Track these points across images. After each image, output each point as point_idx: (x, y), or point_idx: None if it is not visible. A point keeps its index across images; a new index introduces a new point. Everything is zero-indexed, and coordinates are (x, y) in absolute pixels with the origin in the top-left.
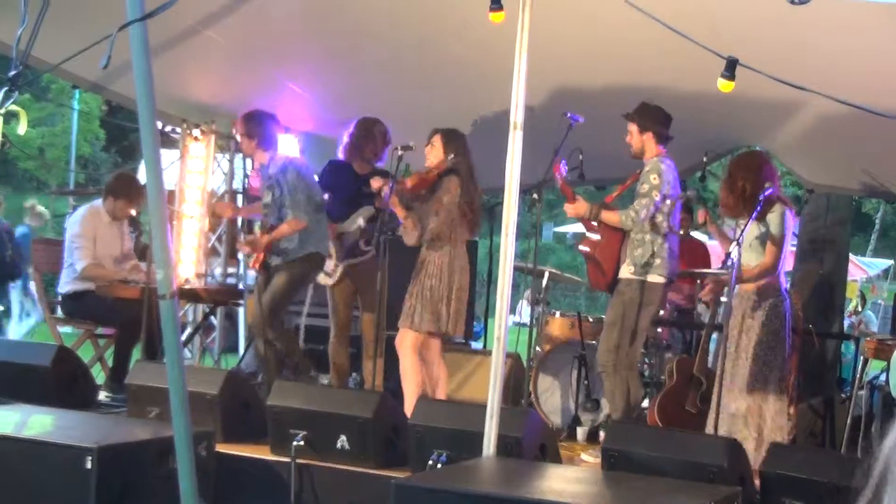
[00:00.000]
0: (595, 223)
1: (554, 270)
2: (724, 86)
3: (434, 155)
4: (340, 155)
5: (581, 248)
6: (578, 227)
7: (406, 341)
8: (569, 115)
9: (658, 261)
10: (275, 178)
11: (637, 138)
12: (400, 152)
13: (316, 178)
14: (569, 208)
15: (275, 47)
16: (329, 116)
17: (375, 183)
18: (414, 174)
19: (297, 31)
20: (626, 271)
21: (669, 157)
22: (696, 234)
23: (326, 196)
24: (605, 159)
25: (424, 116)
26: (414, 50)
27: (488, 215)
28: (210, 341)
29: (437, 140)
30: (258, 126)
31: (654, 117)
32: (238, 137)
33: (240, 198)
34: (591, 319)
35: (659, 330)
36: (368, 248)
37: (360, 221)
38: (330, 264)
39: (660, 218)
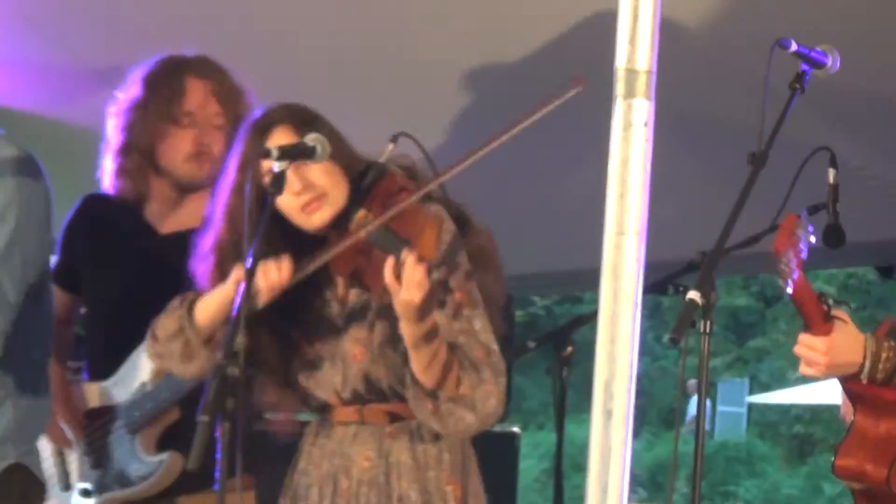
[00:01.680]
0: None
1: None
2: None
3: (322, 175)
4: (106, 182)
5: (841, 464)
6: (825, 397)
7: None
8: (793, 46)
9: None
10: None
11: None
12: (280, 166)
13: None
14: (812, 347)
15: None
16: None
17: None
18: (398, 210)
19: None
20: None
21: None
22: None
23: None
24: None
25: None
26: None
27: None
28: None
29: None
30: None
31: None
32: None
33: None
34: None
35: None
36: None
37: (145, 375)
38: None
39: None
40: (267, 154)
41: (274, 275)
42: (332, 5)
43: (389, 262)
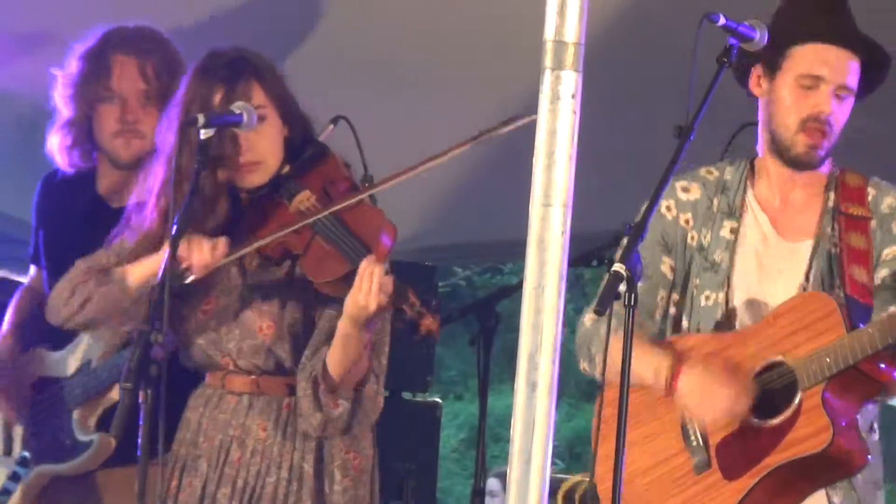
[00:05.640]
0: None
1: None
2: None
3: (263, 139)
4: (60, 159)
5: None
6: None
7: None
8: (721, 20)
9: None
10: None
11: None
12: (206, 133)
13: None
14: None
15: None
16: None
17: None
18: (353, 202)
19: None
20: None
21: None
22: None
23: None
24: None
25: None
26: None
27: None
28: None
29: (257, 89)
30: None
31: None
32: None
33: None
34: None
35: None
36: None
37: (91, 353)
38: None
39: None
40: (194, 122)
41: (207, 253)
42: None
43: (365, 264)
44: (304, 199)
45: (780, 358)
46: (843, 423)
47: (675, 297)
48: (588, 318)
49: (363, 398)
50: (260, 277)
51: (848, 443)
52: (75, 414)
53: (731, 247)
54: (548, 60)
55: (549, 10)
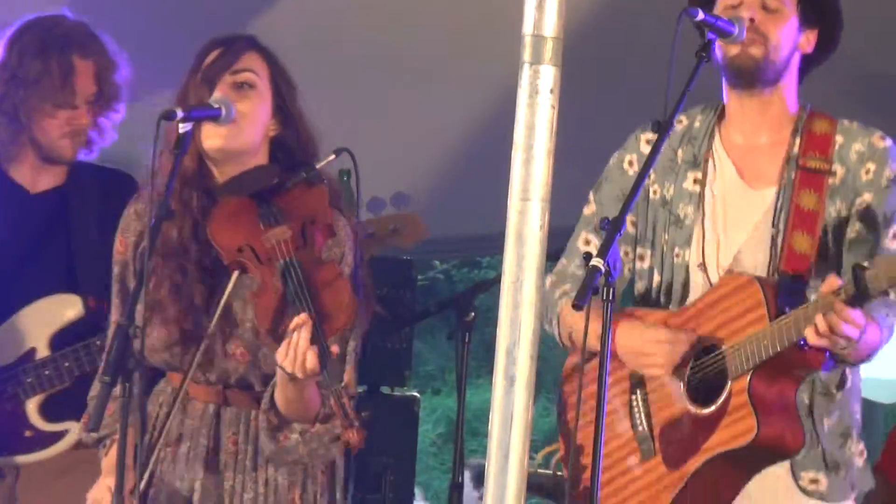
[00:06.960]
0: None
1: None
2: None
3: (251, 111)
4: None
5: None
6: None
7: None
8: (700, 15)
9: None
10: None
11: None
12: (184, 127)
13: None
14: (855, 321)
15: None
16: None
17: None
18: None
19: None
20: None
21: None
22: None
23: None
24: None
25: None
26: None
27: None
28: None
29: (257, 61)
30: None
31: None
32: None
33: None
34: None
35: None
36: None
37: (35, 342)
38: None
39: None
40: (171, 116)
41: None
42: None
43: (299, 319)
44: (280, 234)
45: (714, 342)
46: (775, 410)
47: (641, 250)
48: (549, 281)
49: (317, 435)
50: (228, 298)
51: (777, 430)
52: (31, 404)
53: (696, 199)
54: (526, 55)
55: (527, 5)
